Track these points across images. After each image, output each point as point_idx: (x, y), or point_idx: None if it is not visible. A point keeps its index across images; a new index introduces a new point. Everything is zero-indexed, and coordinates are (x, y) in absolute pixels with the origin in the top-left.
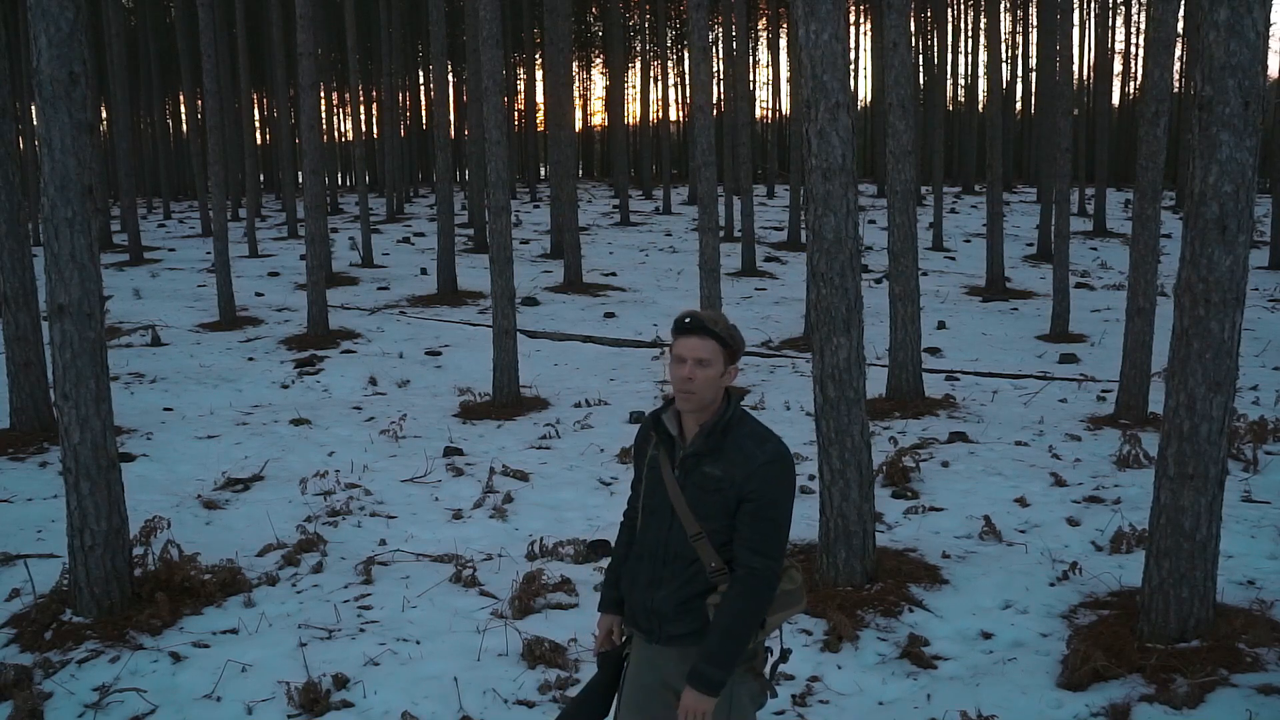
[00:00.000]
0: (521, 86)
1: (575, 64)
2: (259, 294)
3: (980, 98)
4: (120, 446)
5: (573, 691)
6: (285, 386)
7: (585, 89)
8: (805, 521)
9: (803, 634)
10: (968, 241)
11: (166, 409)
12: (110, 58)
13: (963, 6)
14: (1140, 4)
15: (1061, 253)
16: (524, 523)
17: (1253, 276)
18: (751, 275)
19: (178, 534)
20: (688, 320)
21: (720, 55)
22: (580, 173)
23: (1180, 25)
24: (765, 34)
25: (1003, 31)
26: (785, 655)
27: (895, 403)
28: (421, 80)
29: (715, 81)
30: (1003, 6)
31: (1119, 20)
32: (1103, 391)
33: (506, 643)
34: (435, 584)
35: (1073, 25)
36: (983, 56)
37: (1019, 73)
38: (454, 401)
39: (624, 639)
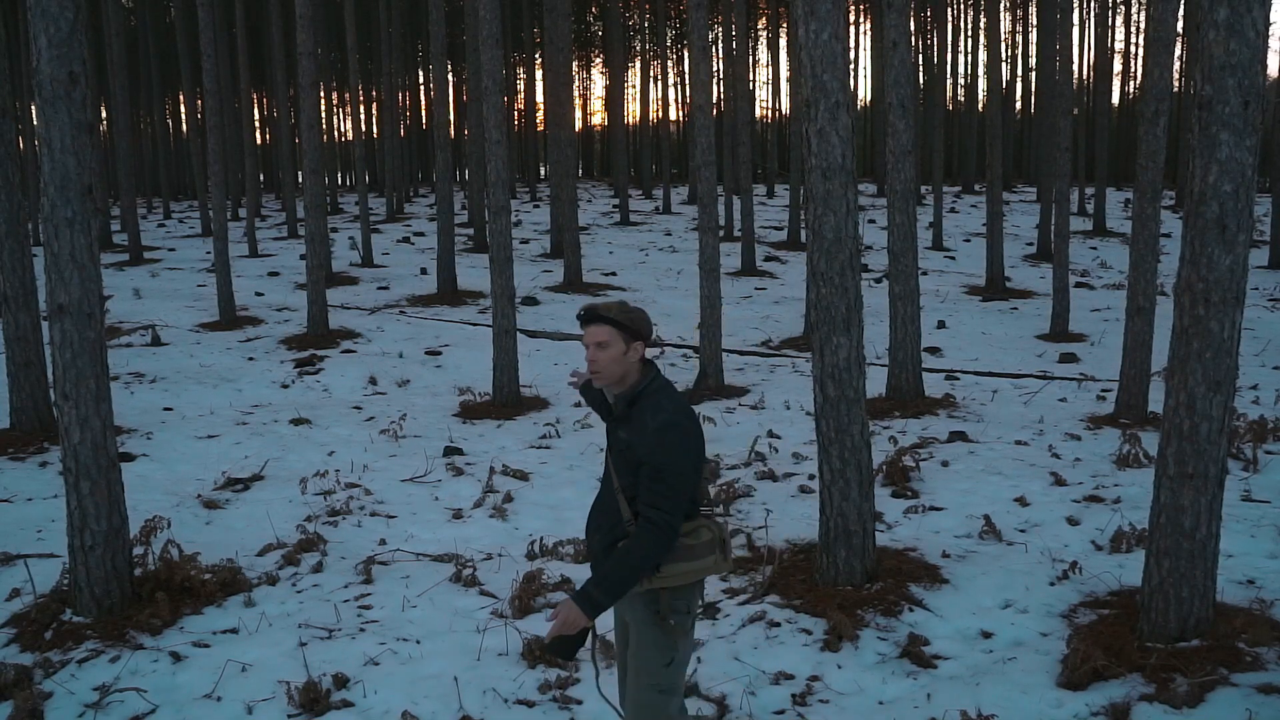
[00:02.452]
0: (521, 86)
1: (575, 64)
2: (259, 294)
3: (980, 97)
4: (120, 446)
5: (573, 690)
6: (285, 386)
7: (585, 89)
8: (805, 521)
9: (803, 633)
10: (967, 241)
11: (166, 409)
12: (110, 58)
13: (963, 6)
14: (1140, 4)
15: (1061, 252)
16: (524, 522)
17: (1253, 276)
18: (751, 275)
19: (178, 534)
20: (582, 312)
21: (720, 55)
22: (580, 172)
23: (1180, 25)
24: (765, 34)
25: (1003, 31)
26: (710, 610)
27: (895, 402)
28: (421, 80)
29: (715, 81)
30: (1003, 6)
31: (1119, 20)
32: (1103, 391)
33: (506, 642)
34: (435, 584)
35: (1073, 25)
36: (983, 56)
37: (1019, 72)
38: (454, 401)
39: None
